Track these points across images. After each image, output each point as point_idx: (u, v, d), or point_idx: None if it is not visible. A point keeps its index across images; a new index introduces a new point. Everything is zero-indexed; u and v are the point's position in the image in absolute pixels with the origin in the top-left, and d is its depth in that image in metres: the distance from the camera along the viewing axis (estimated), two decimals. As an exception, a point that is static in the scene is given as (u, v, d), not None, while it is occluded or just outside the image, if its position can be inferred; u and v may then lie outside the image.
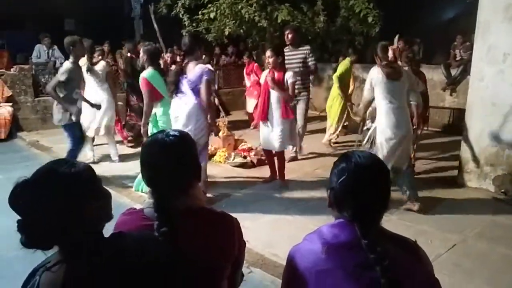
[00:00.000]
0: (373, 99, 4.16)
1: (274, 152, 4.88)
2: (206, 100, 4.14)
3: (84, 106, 5.33)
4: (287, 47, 5.76)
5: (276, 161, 4.95)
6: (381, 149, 4.04)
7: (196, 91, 4.13)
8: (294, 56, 5.69)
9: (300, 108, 5.80)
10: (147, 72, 4.48)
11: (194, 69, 4.13)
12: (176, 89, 4.19)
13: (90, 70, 5.79)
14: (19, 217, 1.07)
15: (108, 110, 5.86)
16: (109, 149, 6.10)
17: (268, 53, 4.70)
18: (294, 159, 5.92)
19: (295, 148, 5.85)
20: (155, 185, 1.36)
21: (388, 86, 3.99)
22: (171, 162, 1.35)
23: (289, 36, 5.79)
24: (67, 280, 1.04)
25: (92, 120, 5.79)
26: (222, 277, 1.41)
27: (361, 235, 1.18)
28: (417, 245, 1.29)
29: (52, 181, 1.09)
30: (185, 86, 4.15)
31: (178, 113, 4.19)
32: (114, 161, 6.03)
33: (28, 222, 1.05)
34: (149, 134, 4.48)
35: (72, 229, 1.08)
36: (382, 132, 4.05)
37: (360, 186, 1.22)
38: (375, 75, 4.05)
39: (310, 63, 5.80)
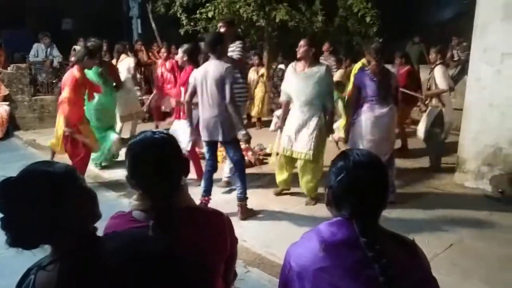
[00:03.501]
0: None
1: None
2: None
3: None
4: None
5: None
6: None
7: None
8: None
9: None
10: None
11: None
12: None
13: None
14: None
15: None
16: None
17: None
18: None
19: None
20: (152, 186, 1.31)
21: None
22: (170, 159, 1.33)
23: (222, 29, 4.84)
24: (61, 279, 1.05)
25: None
26: (218, 275, 1.41)
27: (359, 233, 1.19)
28: (415, 243, 1.29)
29: (32, 179, 1.10)
30: None
31: None
32: None
33: (10, 220, 1.06)
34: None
35: (56, 227, 1.09)
36: None
37: (358, 184, 1.22)
38: None
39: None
